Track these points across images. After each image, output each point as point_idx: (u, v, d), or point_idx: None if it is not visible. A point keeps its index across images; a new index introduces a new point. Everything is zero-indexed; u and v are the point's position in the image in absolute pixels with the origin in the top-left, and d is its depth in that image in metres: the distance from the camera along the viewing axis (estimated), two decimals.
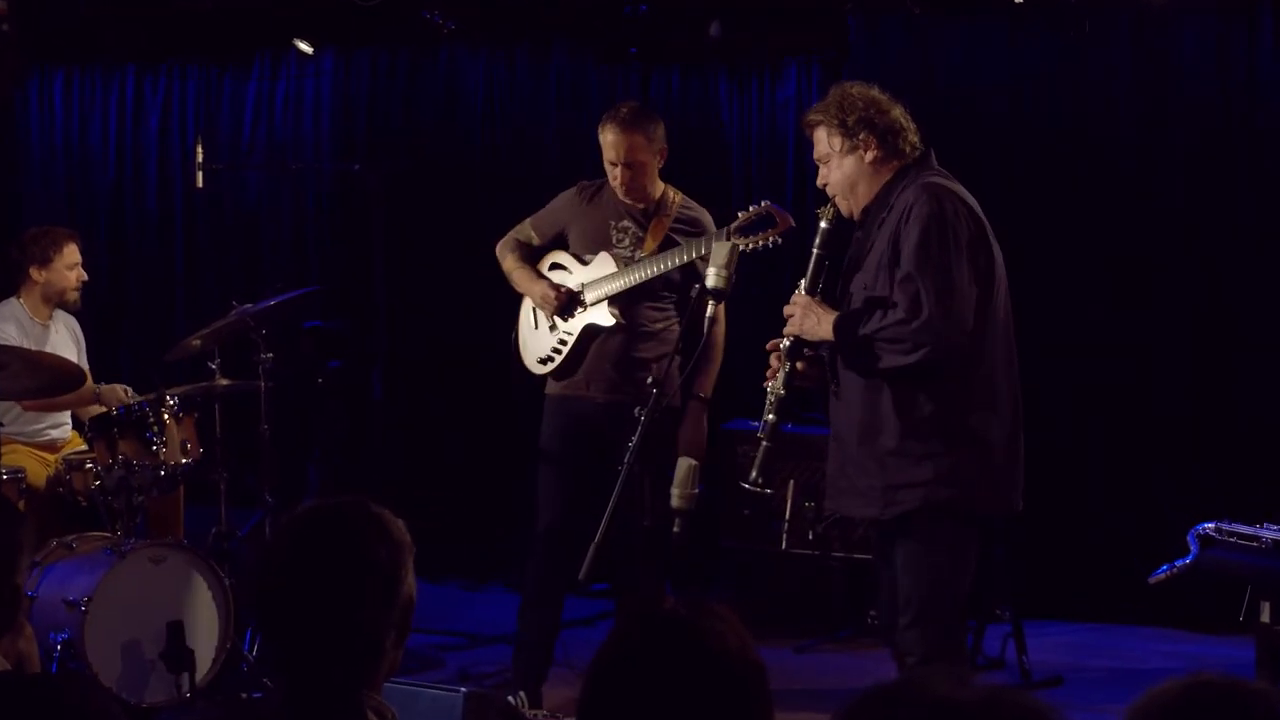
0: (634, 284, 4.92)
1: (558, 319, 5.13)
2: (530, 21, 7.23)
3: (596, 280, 5.02)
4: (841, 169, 3.93)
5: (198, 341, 5.74)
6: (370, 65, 7.52)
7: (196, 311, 7.42)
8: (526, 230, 5.29)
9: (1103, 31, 6.28)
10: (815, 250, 3.96)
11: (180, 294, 7.87)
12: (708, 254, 4.67)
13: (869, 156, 3.89)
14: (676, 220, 5.04)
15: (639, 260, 4.96)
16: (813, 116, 3.98)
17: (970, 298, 3.73)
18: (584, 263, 5.10)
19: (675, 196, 5.10)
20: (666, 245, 4.98)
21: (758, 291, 6.70)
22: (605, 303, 4.99)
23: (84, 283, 5.99)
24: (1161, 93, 6.27)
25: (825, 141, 3.95)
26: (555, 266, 5.21)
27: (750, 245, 4.59)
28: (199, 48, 7.75)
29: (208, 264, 7.85)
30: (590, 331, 5.05)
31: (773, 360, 4.00)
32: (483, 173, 7.34)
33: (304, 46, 7.43)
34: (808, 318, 3.90)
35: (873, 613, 5.71)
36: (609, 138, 4.98)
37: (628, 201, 5.05)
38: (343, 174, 7.34)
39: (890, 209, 3.85)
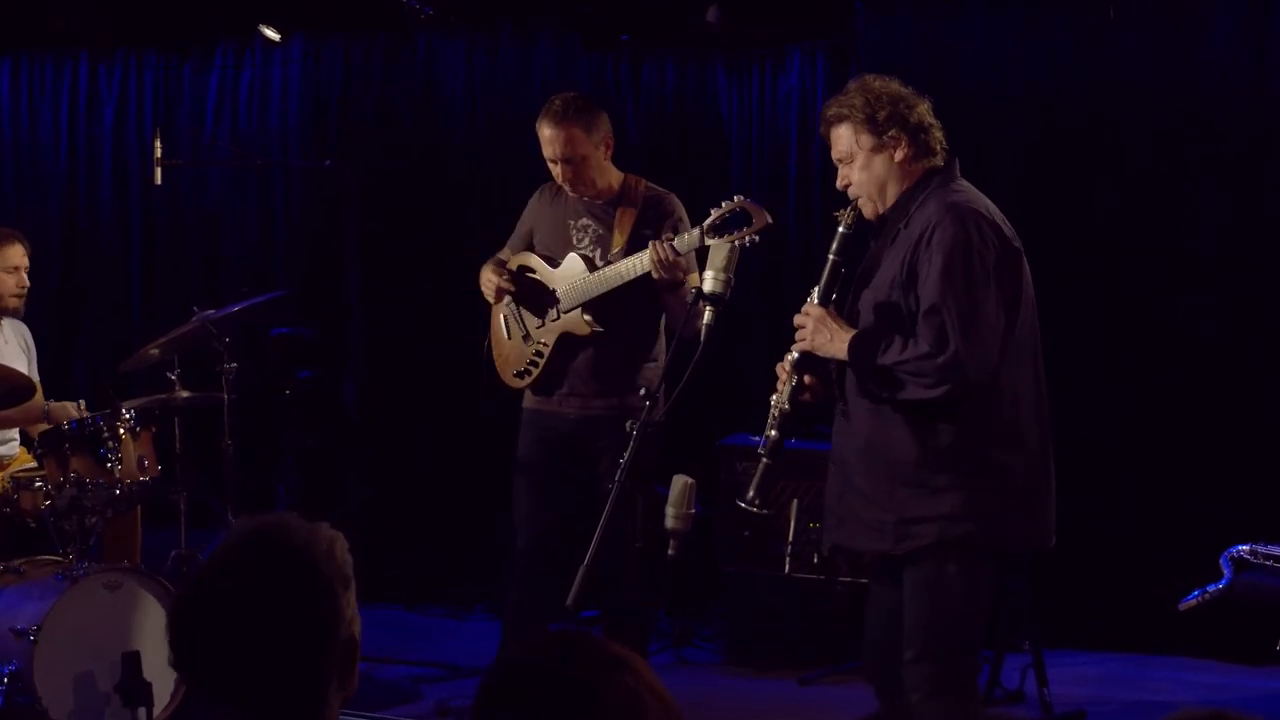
0: (609, 288, 4.93)
1: (532, 329, 5.17)
2: (514, 5, 7.24)
3: (568, 285, 5.05)
4: (870, 169, 3.88)
5: (156, 350, 5.75)
6: (342, 54, 7.53)
7: (155, 318, 7.43)
8: (505, 251, 5.37)
9: (1128, 15, 6.30)
10: (831, 257, 3.91)
11: (137, 299, 7.87)
12: (685, 250, 4.72)
13: (899, 155, 3.85)
14: (644, 208, 5.07)
15: (611, 261, 4.98)
16: (834, 112, 3.92)
17: (997, 331, 3.72)
18: (554, 265, 5.14)
19: (639, 184, 5.13)
20: (639, 238, 4.99)
21: (759, 297, 6.73)
22: (580, 310, 5.02)
23: (25, 289, 5.97)
24: (1191, 80, 6.28)
25: (849, 139, 3.89)
26: (524, 269, 5.24)
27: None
28: (157, 34, 7.75)
29: (167, 267, 7.85)
30: (567, 341, 5.08)
31: (779, 372, 3.99)
32: (463, 169, 7.35)
33: (270, 33, 7.44)
34: (820, 332, 3.87)
35: None
36: (545, 133, 5.05)
37: (585, 198, 5.09)
38: (312, 171, 7.35)
39: (908, 222, 3.83)
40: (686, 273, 4.83)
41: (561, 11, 7.14)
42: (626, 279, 4.89)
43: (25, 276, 5.97)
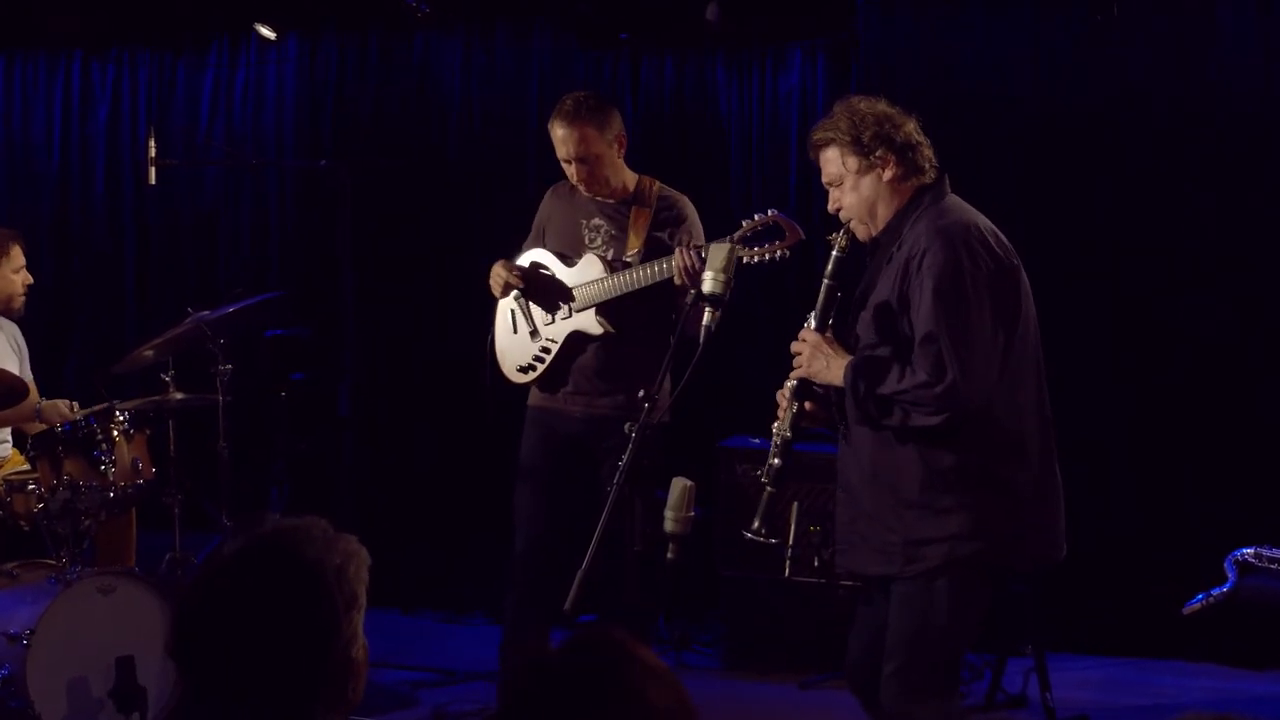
0: (628, 290, 4.95)
1: (540, 325, 5.17)
2: (511, 3, 7.24)
3: (584, 284, 5.06)
4: (858, 191, 3.88)
5: (150, 352, 5.74)
6: (338, 52, 7.53)
7: (149, 319, 7.43)
8: (521, 255, 5.37)
9: (1131, 15, 6.31)
10: (826, 281, 3.90)
11: (131, 300, 7.87)
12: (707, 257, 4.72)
13: (888, 175, 3.85)
14: (658, 210, 5.08)
15: (629, 263, 4.99)
16: (820, 136, 3.93)
17: (994, 352, 3.71)
18: (569, 264, 5.14)
19: (653, 185, 5.15)
20: (652, 240, 5.01)
21: (761, 303, 6.74)
22: (593, 310, 5.02)
23: (29, 287, 6.00)
24: (1194, 79, 6.30)
25: (837, 163, 3.90)
26: (536, 265, 5.24)
27: (754, 258, 4.62)
28: (151, 32, 7.75)
29: (161, 268, 7.85)
30: (576, 340, 5.09)
31: (779, 400, 3.99)
32: (459, 168, 7.35)
33: (266, 31, 7.44)
34: (816, 359, 3.87)
35: None
36: (558, 133, 5.05)
37: (598, 198, 5.11)
38: (307, 170, 7.35)
39: (900, 244, 3.82)
40: None
41: (560, 10, 7.13)
42: (647, 284, 4.91)
43: (28, 274, 5.99)
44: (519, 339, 5.25)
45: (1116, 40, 6.35)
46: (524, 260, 5.28)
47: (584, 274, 5.08)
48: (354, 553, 2.18)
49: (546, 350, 5.15)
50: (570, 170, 5.10)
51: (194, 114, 7.73)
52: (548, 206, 5.34)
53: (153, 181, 6.31)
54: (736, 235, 4.59)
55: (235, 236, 7.75)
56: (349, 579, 2.16)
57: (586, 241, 5.14)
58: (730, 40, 6.96)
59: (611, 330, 5.01)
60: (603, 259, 5.07)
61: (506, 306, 5.30)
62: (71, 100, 7.92)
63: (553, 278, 5.16)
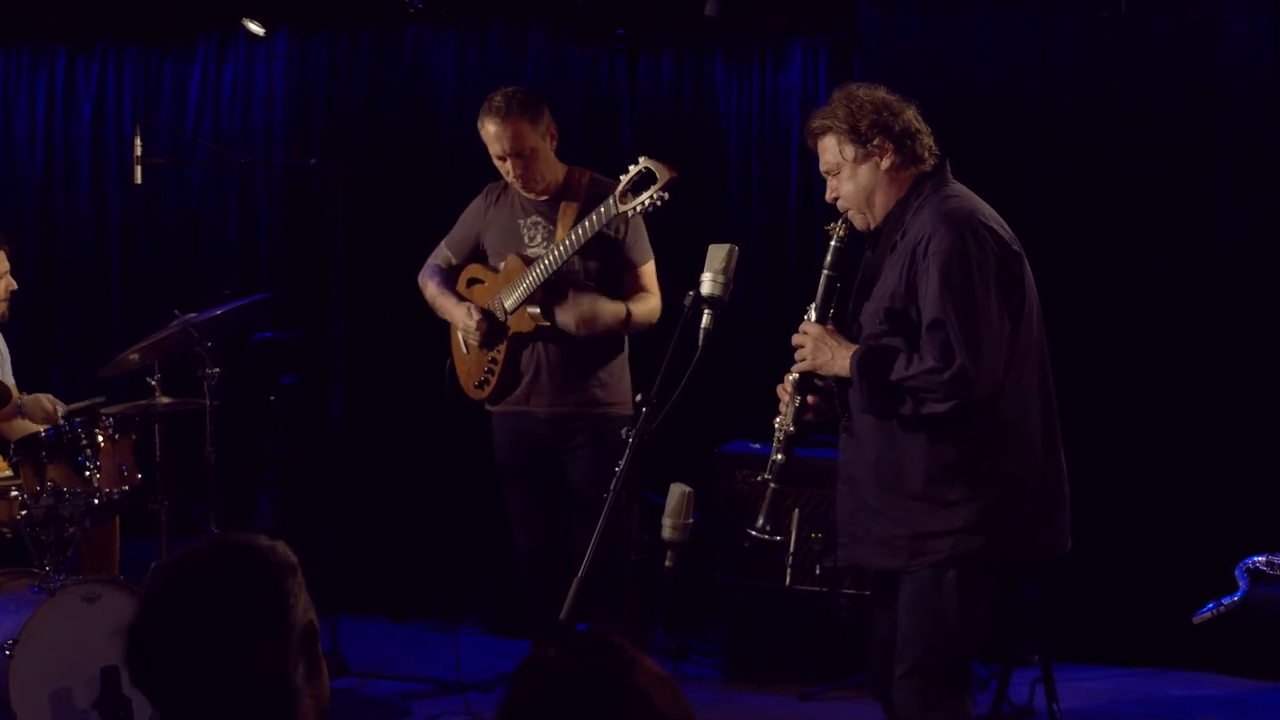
0: (544, 278, 4.99)
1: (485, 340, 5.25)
2: None
3: (509, 288, 5.11)
4: (856, 180, 3.90)
5: (136, 355, 5.73)
6: (328, 48, 7.52)
7: (134, 322, 7.42)
8: (443, 253, 5.48)
9: (1142, 11, 6.31)
10: (825, 272, 3.94)
11: (116, 302, 7.85)
12: (608, 225, 4.82)
13: (885, 164, 3.87)
14: (587, 200, 5.11)
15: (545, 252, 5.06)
16: (818, 124, 3.95)
17: (1002, 338, 3.73)
18: (496, 271, 5.20)
19: (583, 176, 5.19)
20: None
21: (761, 300, 6.73)
22: (522, 308, 5.07)
23: (12, 293, 5.99)
24: (1207, 78, 6.29)
25: (834, 151, 3.92)
26: (472, 282, 5.36)
27: (640, 207, 4.70)
28: (137, 28, 7.74)
29: (146, 269, 7.83)
30: (518, 343, 5.15)
31: (780, 394, 3.99)
32: (452, 168, 7.34)
33: (254, 27, 7.43)
34: (820, 351, 3.89)
35: None
36: (490, 130, 5.10)
37: (529, 195, 5.14)
38: (297, 169, 7.34)
39: (904, 233, 3.84)
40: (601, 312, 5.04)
41: (555, 5, 7.12)
42: (556, 267, 4.96)
43: (11, 280, 5.97)
44: (472, 357, 5.34)
45: (1122, 39, 6.34)
46: (461, 281, 5.33)
47: (507, 275, 5.15)
48: (275, 541, 2.27)
49: (495, 361, 5.21)
50: (505, 167, 5.14)
51: (181, 112, 7.72)
52: (481, 212, 5.38)
53: (138, 181, 6.30)
54: (618, 190, 4.74)
55: (223, 237, 7.74)
56: (280, 552, 2.23)
57: (526, 240, 5.23)
58: (730, 37, 6.95)
59: (544, 323, 5.06)
60: (520, 256, 5.13)
61: (457, 328, 5.37)
62: (55, 98, 7.90)
63: (486, 290, 5.26)
